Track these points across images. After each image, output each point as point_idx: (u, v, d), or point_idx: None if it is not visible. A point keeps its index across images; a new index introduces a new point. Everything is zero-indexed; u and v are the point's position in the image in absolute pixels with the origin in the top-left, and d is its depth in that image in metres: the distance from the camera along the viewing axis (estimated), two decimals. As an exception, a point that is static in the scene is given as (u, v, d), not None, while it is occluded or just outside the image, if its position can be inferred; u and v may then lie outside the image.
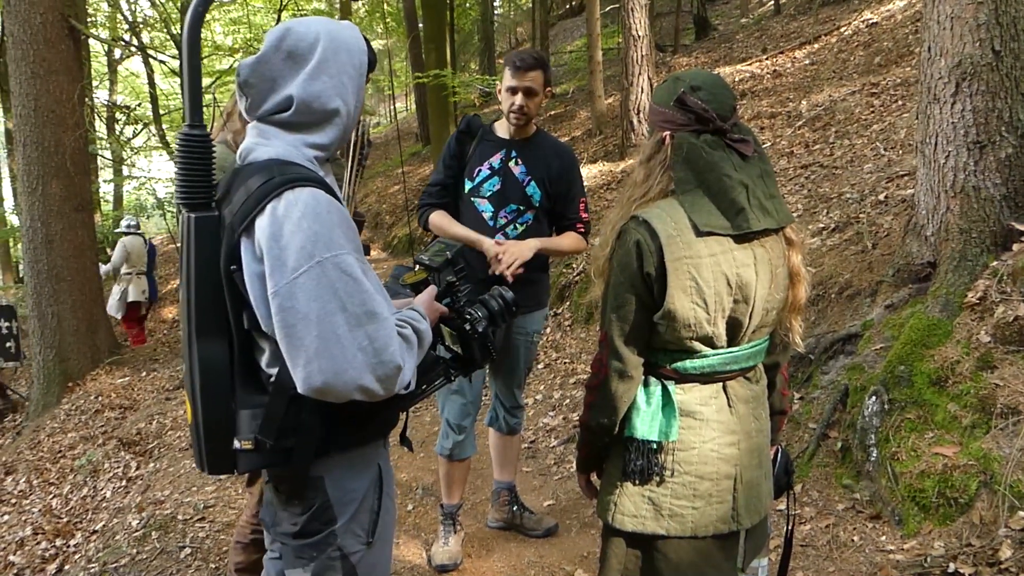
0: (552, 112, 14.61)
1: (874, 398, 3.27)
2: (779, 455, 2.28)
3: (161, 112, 18.55)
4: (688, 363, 1.79)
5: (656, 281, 1.71)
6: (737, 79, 9.52)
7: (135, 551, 3.87)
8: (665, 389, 1.81)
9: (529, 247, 2.96)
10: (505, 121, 3.11)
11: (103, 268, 8.91)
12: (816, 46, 9.83)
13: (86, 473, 5.58)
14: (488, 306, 2.05)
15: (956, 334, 3.20)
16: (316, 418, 1.57)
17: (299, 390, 1.49)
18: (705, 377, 1.81)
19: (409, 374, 1.61)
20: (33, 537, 4.94)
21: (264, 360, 1.60)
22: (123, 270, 9.12)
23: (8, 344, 7.91)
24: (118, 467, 5.44)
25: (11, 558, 4.80)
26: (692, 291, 1.70)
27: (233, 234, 1.52)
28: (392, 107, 23.01)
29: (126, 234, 9.45)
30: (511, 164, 3.08)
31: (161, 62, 14.05)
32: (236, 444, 1.58)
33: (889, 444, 3.14)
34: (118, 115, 18.13)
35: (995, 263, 3.29)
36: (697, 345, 1.77)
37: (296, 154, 1.60)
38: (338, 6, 21.65)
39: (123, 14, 17.73)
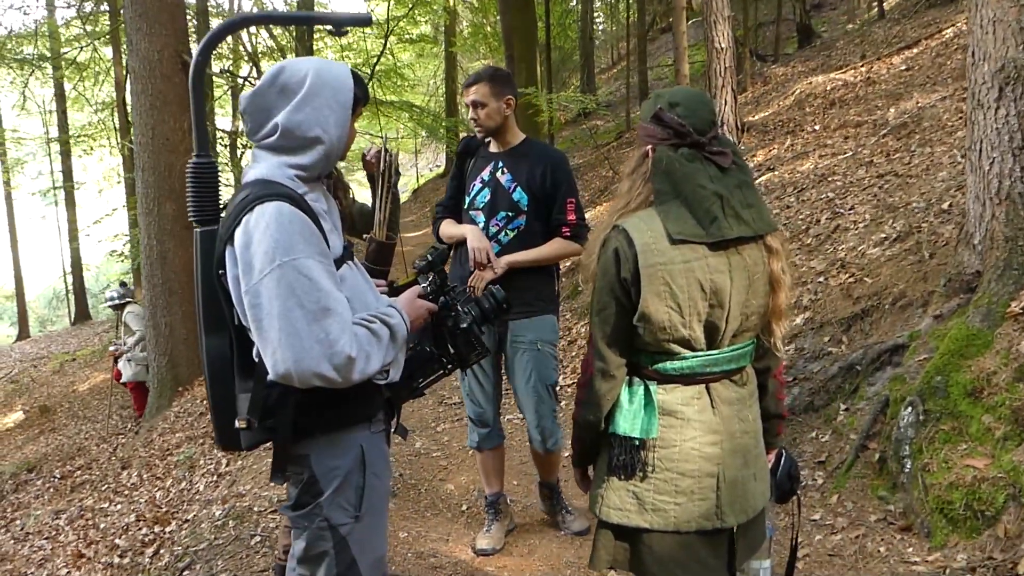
0: (646, 126, 14.59)
1: (909, 409, 3.21)
2: (782, 459, 2.32)
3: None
4: (668, 364, 1.89)
5: (632, 286, 1.82)
6: (828, 88, 9.29)
7: (213, 537, 4.25)
8: (647, 389, 1.90)
9: (499, 265, 3.17)
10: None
11: (130, 341, 9.00)
12: (915, 51, 9.46)
13: (185, 468, 6.11)
14: (480, 304, 2.21)
15: (996, 345, 3.11)
16: (289, 401, 1.79)
17: (270, 376, 1.72)
18: (686, 378, 1.89)
19: (376, 364, 1.81)
20: (136, 523, 5.47)
21: (255, 351, 1.83)
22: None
23: None
24: (211, 463, 5.93)
25: (116, 541, 5.34)
26: (666, 295, 1.80)
27: (222, 243, 1.79)
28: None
29: (122, 305, 9.26)
30: (498, 174, 3.28)
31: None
32: (236, 424, 1.83)
33: (922, 455, 3.09)
34: (240, 141, 19.53)
35: (1042, 271, 3.18)
36: (675, 347, 1.87)
37: (279, 173, 1.85)
38: (443, 30, 22.48)
39: (244, 46, 19.11)
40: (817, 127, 7.97)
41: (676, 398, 1.91)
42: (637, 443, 1.92)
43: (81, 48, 15.42)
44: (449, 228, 3.40)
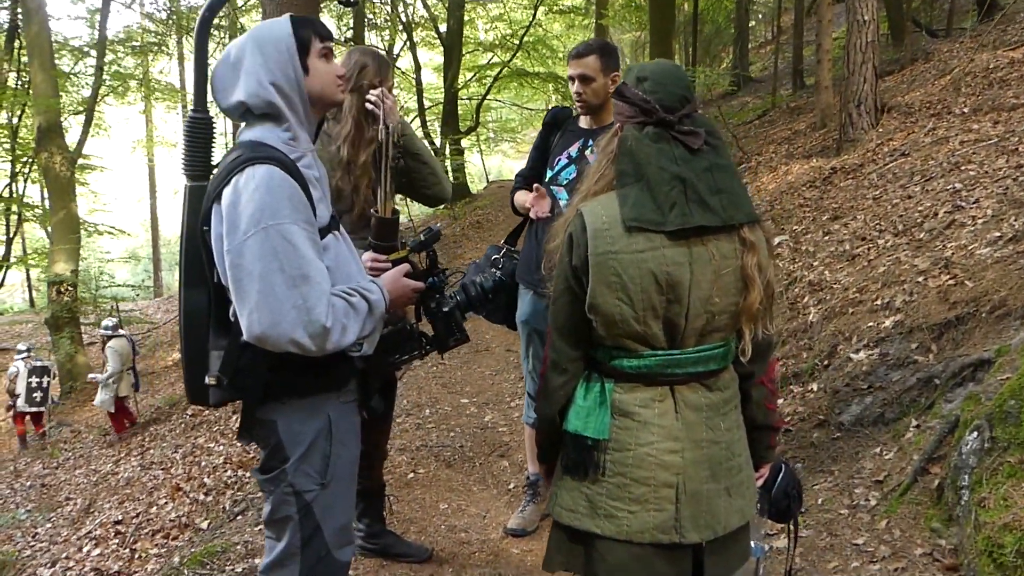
0: (793, 104, 13.73)
1: (975, 434, 2.82)
2: (780, 475, 2.14)
3: (426, 105, 20.30)
4: (626, 362, 1.77)
5: (583, 274, 1.71)
6: (991, 66, 8.29)
7: (271, 486, 4.46)
8: (603, 386, 1.79)
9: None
10: None
11: (104, 375, 9.90)
12: (1105, 25, 8.26)
13: (277, 418, 6.47)
14: (467, 291, 2.17)
15: (1087, 369, 2.66)
16: (263, 363, 1.81)
17: (244, 337, 1.74)
18: (646, 378, 1.76)
19: (351, 336, 1.81)
20: (223, 465, 5.85)
21: (231, 310, 1.86)
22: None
23: (35, 395, 10.66)
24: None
25: (205, 480, 5.75)
26: (616, 287, 1.68)
27: (209, 200, 1.82)
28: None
29: (111, 337, 10.19)
30: (587, 152, 3.11)
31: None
32: (207, 380, 1.87)
33: (981, 488, 2.70)
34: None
35: None
36: (631, 343, 1.74)
37: (271, 137, 1.86)
38: (594, 1, 22.07)
39: (399, 18, 19.71)
40: (966, 110, 7.14)
41: (634, 399, 1.77)
42: (589, 443, 1.81)
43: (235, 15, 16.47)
44: (516, 198, 3.29)
